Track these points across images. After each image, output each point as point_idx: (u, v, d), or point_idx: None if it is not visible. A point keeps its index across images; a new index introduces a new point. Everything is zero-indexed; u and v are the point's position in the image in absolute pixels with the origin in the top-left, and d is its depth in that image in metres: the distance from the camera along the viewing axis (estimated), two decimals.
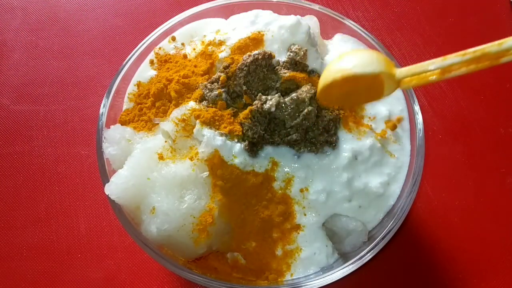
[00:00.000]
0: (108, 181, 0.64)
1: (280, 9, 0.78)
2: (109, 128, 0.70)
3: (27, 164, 0.87)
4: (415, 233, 0.81)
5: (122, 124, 0.71)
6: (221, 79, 0.67)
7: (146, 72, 0.76)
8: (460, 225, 0.82)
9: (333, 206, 0.66)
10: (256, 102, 0.65)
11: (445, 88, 0.94)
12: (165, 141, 0.66)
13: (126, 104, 0.74)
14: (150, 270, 0.78)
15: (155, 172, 0.64)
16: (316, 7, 0.78)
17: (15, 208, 0.84)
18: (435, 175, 0.85)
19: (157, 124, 0.69)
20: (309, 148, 0.66)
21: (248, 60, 0.66)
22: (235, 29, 0.74)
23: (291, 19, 0.71)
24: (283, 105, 0.64)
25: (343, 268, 0.63)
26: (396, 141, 0.71)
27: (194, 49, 0.75)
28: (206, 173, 0.64)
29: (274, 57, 0.68)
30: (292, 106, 0.64)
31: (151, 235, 0.62)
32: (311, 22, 0.76)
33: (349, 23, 0.77)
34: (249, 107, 0.65)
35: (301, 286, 0.62)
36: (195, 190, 0.63)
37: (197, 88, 0.69)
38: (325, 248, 0.65)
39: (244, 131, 0.64)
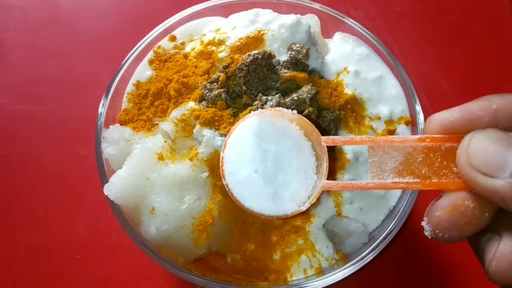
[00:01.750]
0: (107, 182, 0.64)
1: (280, 8, 0.78)
2: (108, 128, 0.69)
3: (25, 164, 0.87)
4: (416, 233, 0.81)
5: (121, 124, 0.71)
6: (220, 79, 0.67)
7: (145, 72, 0.75)
8: None
9: (334, 208, 0.65)
10: (256, 102, 0.64)
11: (446, 87, 0.93)
12: (165, 141, 0.65)
13: (125, 104, 0.74)
14: (149, 271, 0.78)
15: (155, 172, 0.63)
16: (316, 5, 0.77)
17: (13, 209, 0.83)
18: None
19: (157, 124, 0.69)
20: None
21: (248, 60, 0.65)
22: (235, 28, 0.74)
23: (291, 18, 0.71)
24: (283, 105, 0.63)
25: (344, 269, 0.62)
26: None
27: (193, 48, 0.75)
28: (206, 174, 0.63)
29: (274, 56, 0.68)
30: (292, 107, 0.63)
31: (151, 236, 0.61)
32: (311, 21, 0.76)
33: (350, 22, 0.77)
34: (249, 108, 0.64)
35: (302, 287, 0.62)
36: (195, 191, 0.63)
37: (196, 88, 0.69)
38: (326, 249, 0.65)
39: None
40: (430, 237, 0.37)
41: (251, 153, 0.43)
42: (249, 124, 0.45)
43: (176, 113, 0.66)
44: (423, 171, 0.38)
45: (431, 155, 0.38)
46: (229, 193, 0.44)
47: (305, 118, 0.45)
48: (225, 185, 0.44)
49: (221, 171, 0.45)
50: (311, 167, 0.42)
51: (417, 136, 0.38)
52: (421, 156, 0.38)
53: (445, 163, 0.37)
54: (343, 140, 0.43)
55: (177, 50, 0.77)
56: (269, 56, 0.67)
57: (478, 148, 0.34)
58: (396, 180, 0.38)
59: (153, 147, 0.65)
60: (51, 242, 0.81)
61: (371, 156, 0.39)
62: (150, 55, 0.76)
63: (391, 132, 0.70)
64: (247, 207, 0.44)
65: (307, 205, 0.42)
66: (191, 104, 0.67)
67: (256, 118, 0.45)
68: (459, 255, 0.79)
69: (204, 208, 0.62)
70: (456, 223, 0.35)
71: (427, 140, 0.38)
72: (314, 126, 0.44)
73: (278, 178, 0.43)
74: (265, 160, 0.43)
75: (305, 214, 0.65)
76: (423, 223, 0.38)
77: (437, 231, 0.36)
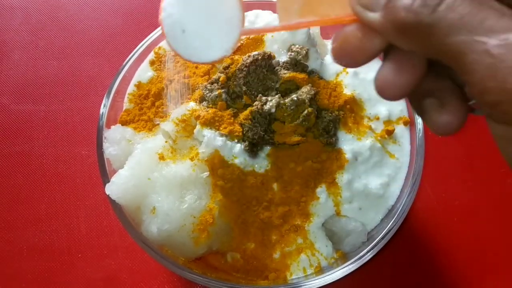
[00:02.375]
0: (108, 181, 0.64)
1: None
2: (110, 128, 0.70)
3: (27, 164, 0.87)
4: (415, 233, 0.81)
5: (122, 124, 0.71)
6: (220, 79, 0.67)
7: (146, 72, 0.76)
8: (460, 225, 0.82)
9: (333, 207, 0.66)
10: (256, 103, 0.65)
11: None
12: (166, 142, 0.66)
13: (126, 104, 0.74)
14: (150, 270, 0.78)
15: (156, 172, 0.64)
16: None
17: (15, 208, 0.84)
18: (435, 175, 0.85)
19: (158, 124, 0.69)
20: None
21: (248, 61, 0.66)
22: None
23: None
24: (283, 106, 0.64)
25: (343, 268, 0.63)
26: (396, 141, 0.72)
27: None
28: (207, 173, 0.64)
29: (274, 57, 0.68)
30: (292, 107, 0.64)
31: (152, 235, 0.62)
32: None
33: None
34: (249, 108, 0.65)
35: (301, 285, 0.62)
36: (196, 190, 0.63)
37: (197, 89, 0.69)
38: (325, 248, 0.65)
39: (244, 132, 0.65)
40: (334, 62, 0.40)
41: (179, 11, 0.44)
42: None
43: (176, 113, 0.67)
44: (322, 10, 0.39)
45: None
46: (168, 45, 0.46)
47: None
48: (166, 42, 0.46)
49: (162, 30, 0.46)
50: (236, 19, 0.44)
51: None
52: None
53: None
54: None
55: None
56: (269, 57, 0.67)
57: None
58: (299, 20, 0.40)
59: (154, 147, 0.66)
60: (53, 241, 0.81)
61: (278, 1, 0.40)
62: (151, 56, 0.77)
63: (390, 133, 0.71)
64: (180, 53, 0.45)
65: (230, 51, 0.44)
66: (192, 104, 0.67)
67: None
68: (458, 255, 0.80)
69: (204, 208, 0.63)
70: (348, 50, 0.37)
71: None
72: None
73: (203, 30, 0.44)
74: (191, 13, 0.44)
75: (305, 214, 0.65)
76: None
77: (334, 58, 0.39)
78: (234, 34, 0.44)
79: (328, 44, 0.79)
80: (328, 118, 0.67)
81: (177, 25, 0.44)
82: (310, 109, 0.64)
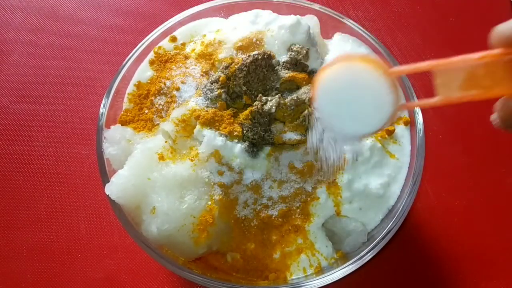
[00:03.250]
0: (108, 181, 0.64)
1: (280, 9, 0.78)
2: (109, 128, 0.70)
3: (27, 164, 0.87)
4: (415, 233, 0.81)
5: (122, 124, 0.71)
6: (220, 79, 0.67)
7: (146, 72, 0.76)
8: (460, 225, 0.82)
9: (333, 208, 0.66)
10: (256, 103, 0.65)
11: None
12: (165, 142, 0.66)
13: (126, 104, 0.74)
14: (150, 270, 0.78)
15: (156, 172, 0.64)
16: (316, 6, 0.78)
17: (15, 208, 0.84)
18: (435, 175, 0.85)
19: (157, 124, 0.69)
20: None
21: (248, 61, 0.66)
22: (235, 29, 0.74)
23: (291, 19, 0.71)
24: (283, 106, 0.64)
25: (343, 268, 0.63)
26: (396, 141, 0.71)
27: (194, 49, 0.75)
28: (207, 173, 0.64)
29: (274, 57, 0.68)
30: (292, 107, 0.64)
31: (152, 235, 0.62)
32: (311, 22, 0.76)
33: (349, 22, 0.77)
34: (249, 108, 0.65)
35: (301, 286, 0.62)
36: (195, 190, 0.63)
37: (197, 89, 0.69)
38: (325, 249, 0.65)
39: (244, 132, 0.64)
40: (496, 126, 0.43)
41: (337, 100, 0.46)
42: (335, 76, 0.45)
43: (176, 113, 0.67)
44: (485, 83, 0.40)
45: (493, 68, 0.40)
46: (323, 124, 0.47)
47: (371, 56, 0.47)
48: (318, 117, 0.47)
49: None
50: (390, 99, 0.44)
51: (478, 55, 0.40)
52: (483, 71, 0.40)
53: (506, 74, 0.39)
54: (409, 69, 0.45)
55: (178, 51, 0.77)
56: (269, 57, 0.67)
57: None
58: (461, 94, 0.41)
59: (154, 147, 0.65)
60: (53, 241, 0.81)
61: (436, 78, 0.42)
62: (151, 55, 0.77)
63: (390, 133, 0.70)
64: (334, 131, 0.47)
65: (388, 124, 0.46)
66: (192, 104, 0.67)
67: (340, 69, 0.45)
68: (458, 255, 0.80)
69: (204, 208, 0.62)
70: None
71: (488, 57, 0.40)
72: (380, 60, 0.45)
73: (356, 112, 0.45)
74: (347, 102, 0.45)
75: (305, 214, 0.65)
76: (492, 117, 0.44)
77: (503, 127, 0.42)
78: (388, 111, 0.44)
79: (329, 43, 0.79)
80: None
81: (330, 112, 0.45)
82: (310, 109, 0.64)
